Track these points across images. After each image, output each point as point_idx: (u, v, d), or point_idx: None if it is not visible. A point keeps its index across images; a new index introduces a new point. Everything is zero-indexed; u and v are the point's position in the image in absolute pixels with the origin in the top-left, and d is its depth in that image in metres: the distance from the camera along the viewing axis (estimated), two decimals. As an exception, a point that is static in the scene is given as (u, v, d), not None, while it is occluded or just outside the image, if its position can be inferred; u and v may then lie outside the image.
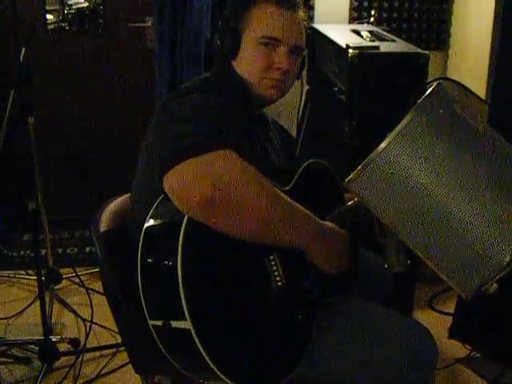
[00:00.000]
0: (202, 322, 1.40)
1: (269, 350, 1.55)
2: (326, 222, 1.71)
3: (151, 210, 1.58)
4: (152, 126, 1.76)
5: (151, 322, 1.49)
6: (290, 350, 1.62)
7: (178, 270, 1.40)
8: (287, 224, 1.57)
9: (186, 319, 1.39)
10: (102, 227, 1.87)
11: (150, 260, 1.52)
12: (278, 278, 1.62)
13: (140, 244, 1.53)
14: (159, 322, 1.48)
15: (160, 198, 1.57)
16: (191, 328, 1.38)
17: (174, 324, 1.44)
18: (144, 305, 1.49)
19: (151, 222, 1.56)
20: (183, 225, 1.44)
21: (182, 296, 1.38)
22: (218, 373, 1.41)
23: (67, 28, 4.09)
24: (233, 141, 1.50)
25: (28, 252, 3.94)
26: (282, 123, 2.19)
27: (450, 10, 4.07)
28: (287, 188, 1.78)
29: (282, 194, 1.55)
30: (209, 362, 1.39)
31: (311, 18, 3.95)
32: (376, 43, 2.87)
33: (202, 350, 1.39)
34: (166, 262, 1.47)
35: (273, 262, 1.62)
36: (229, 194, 1.43)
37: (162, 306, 1.49)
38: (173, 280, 1.40)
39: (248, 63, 1.83)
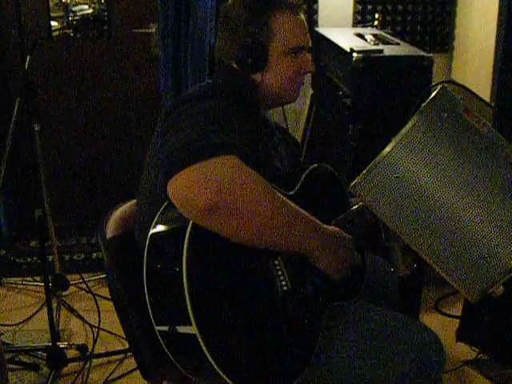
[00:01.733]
0: (207, 327, 1.41)
1: (275, 355, 1.55)
2: (330, 227, 1.71)
3: (156, 217, 1.58)
4: (157, 132, 1.76)
5: (157, 328, 1.49)
6: (296, 355, 1.62)
7: (184, 276, 1.40)
8: (291, 229, 1.57)
9: (191, 324, 1.39)
10: (109, 233, 1.88)
11: (155, 266, 1.52)
12: (283, 283, 1.62)
13: (145, 250, 1.53)
14: (165, 328, 1.48)
15: (165, 204, 1.58)
16: (197, 333, 1.39)
17: (180, 329, 1.44)
18: (150, 310, 1.49)
19: (156, 229, 1.57)
20: (188, 230, 1.45)
21: (188, 301, 1.39)
22: (225, 377, 1.41)
23: (72, 35, 4.10)
24: (237, 147, 1.51)
25: (35, 259, 3.94)
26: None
27: (453, 13, 4.07)
28: (291, 193, 1.78)
29: (286, 200, 1.56)
30: (215, 366, 1.39)
31: (315, 22, 3.95)
32: (380, 46, 2.88)
33: (208, 354, 1.39)
34: (172, 268, 1.47)
35: (278, 267, 1.62)
36: (233, 199, 1.44)
37: (168, 312, 1.49)
38: (178, 285, 1.40)
39: (278, 74, 1.84)
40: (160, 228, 1.57)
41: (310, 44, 1.89)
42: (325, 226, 1.67)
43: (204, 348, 1.39)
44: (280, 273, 1.62)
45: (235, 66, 1.85)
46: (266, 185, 1.51)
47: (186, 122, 1.60)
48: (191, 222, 1.46)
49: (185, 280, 1.40)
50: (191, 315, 1.39)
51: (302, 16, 1.86)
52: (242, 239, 1.50)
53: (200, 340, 1.39)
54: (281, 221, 1.53)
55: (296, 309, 1.65)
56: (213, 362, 1.39)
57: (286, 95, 1.90)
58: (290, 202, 1.56)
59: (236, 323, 1.49)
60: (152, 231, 1.56)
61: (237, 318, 1.49)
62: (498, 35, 3.42)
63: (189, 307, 1.39)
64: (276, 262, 1.62)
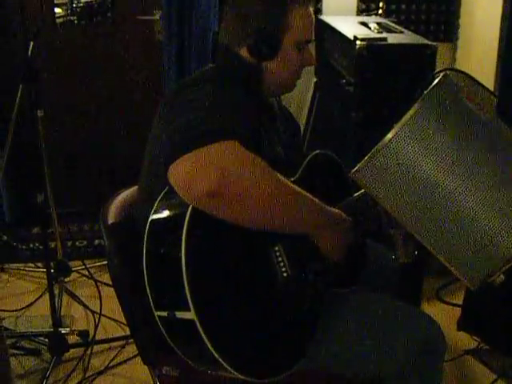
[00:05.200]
0: (206, 313, 1.41)
1: (274, 341, 1.56)
2: (334, 209, 1.71)
3: (156, 202, 1.58)
4: (158, 117, 1.76)
5: (157, 313, 1.50)
6: (295, 341, 1.62)
7: (182, 261, 1.40)
8: (294, 211, 1.57)
9: (190, 310, 1.39)
10: (110, 219, 1.88)
11: (154, 251, 1.53)
12: (283, 269, 1.63)
13: (145, 236, 1.53)
14: (164, 313, 1.48)
15: (165, 189, 1.57)
16: (195, 319, 1.39)
17: (179, 315, 1.44)
18: (150, 296, 1.50)
19: (156, 215, 1.57)
20: (187, 216, 1.45)
21: (186, 287, 1.39)
22: (223, 363, 1.41)
23: (76, 21, 4.08)
24: (239, 132, 1.50)
25: (37, 245, 3.95)
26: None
27: (458, 2, 4.04)
28: (293, 179, 1.78)
29: (288, 182, 1.56)
30: (213, 352, 1.40)
31: (320, 10, 3.93)
32: (384, 35, 2.87)
33: (206, 340, 1.39)
34: (170, 253, 1.47)
35: (278, 253, 1.63)
36: (235, 184, 1.44)
37: (167, 297, 1.49)
38: (177, 271, 1.40)
39: (285, 65, 1.83)
40: (160, 214, 1.57)
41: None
42: (327, 207, 1.67)
43: (202, 334, 1.39)
44: (280, 259, 1.62)
45: (244, 52, 1.83)
46: (268, 168, 1.51)
47: (188, 106, 1.60)
48: (190, 208, 1.46)
49: (183, 266, 1.40)
50: (190, 301, 1.39)
51: (311, 10, 1.86)
52: (245, 223, 1.50)
53: (198, 326, 1.39)
54: (284, 202, 1.53)
55: (296, 295, 1.65)
56: (211, 348, 1.40)
57: (286, 86, 1.91)
58: (293, 184, 1.56)
59: (235, 309, 1.49)
60: (152, 217, 1.56)
61: (235, 304, 1.50)
62: (502, 24, 3.40)
63: (187, 293, 1.39)
64: (276, 249, 1.63)
